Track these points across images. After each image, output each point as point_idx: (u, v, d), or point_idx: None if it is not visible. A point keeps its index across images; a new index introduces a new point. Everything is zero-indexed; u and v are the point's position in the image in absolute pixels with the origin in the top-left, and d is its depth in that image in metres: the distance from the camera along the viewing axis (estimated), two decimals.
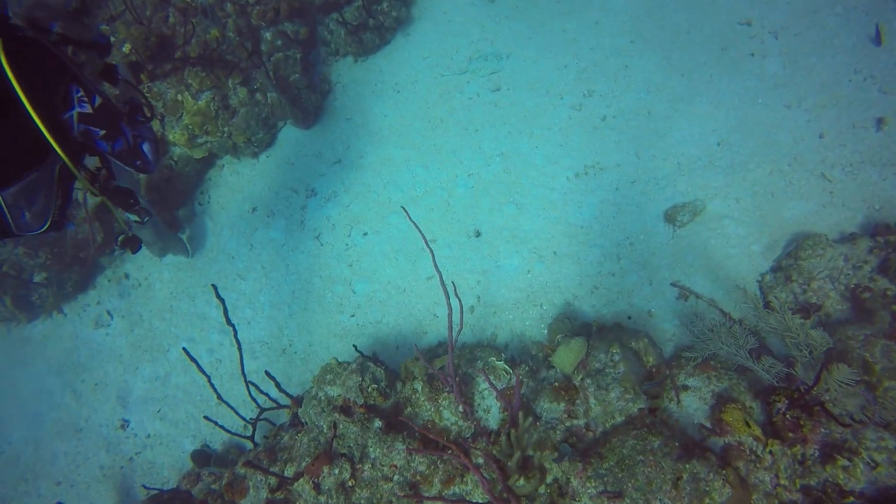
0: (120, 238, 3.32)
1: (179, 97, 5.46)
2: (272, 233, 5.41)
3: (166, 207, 5.68)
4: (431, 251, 3.53)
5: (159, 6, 5.46)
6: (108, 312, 5.46)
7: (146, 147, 3.03)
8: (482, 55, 5.74)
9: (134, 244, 3.34)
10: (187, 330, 5.17)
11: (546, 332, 4.25)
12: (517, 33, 5.84)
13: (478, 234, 4.82)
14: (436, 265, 3.49)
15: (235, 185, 5.81)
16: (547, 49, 5.66)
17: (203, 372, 4.00)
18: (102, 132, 2.74)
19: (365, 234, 5.13)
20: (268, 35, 5.58)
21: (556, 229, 4.69)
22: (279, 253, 5.30)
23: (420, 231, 3.58)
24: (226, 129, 5.61)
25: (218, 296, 3.97)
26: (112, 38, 5.26)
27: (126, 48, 5.23)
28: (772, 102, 4.79)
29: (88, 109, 2.63)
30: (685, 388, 3.63)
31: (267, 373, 4.20)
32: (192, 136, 5.60)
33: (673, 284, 4.24)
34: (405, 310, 4.68)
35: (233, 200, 5.73)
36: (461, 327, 3.50)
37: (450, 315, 3.42)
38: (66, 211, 2.79)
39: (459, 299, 3.45)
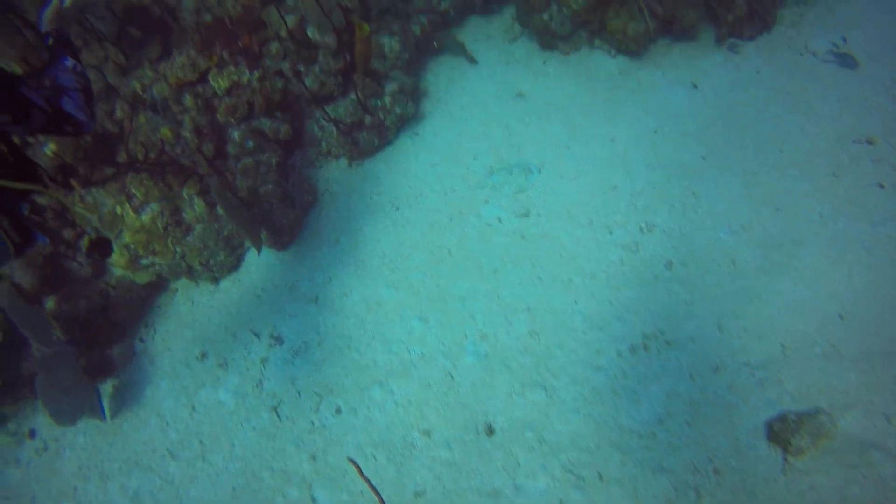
0: (85, 240, 2.76)
1: (119, 210, 4.29)
2: (221, 393, 4.08)
3: (96, 345, 4.42)
4: None
5: (105, 97, 4.39)
6: None
7: (69, 104, 2.09)
8: (506, 166, 4.47)
9: (105, 248, 2.69)
10: None
11: None
12: (552, 139, 4.58)
13: (490, 432, 3.41)
14: None
15: (187, 318, 4.55)
16: (590, 162, 4.37)
17: None
18: (7, 117, 1.89)
19: (338, 410, 3.76)
20: (236, 134, 4.42)
21: (603, 435, 3.25)
22: (225, 425, 3.95)
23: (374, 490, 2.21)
24: (178, 249, 4.41)
25: None
26: (30, 140, 4.17)
27: (49, 149, 4.11)
28: None
29: None
30: None
31: None
32: (135, 256, 4.41)
33: None
34: None
35: (181, 339, 4.45)
36: None
37: None
38: (24, 223, 2.11)
39: None
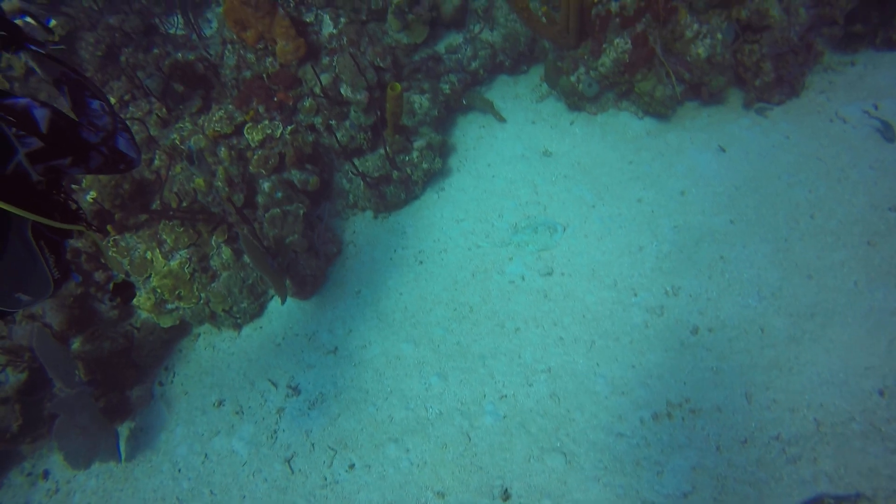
0: (111, 284, 2.69)
1: (149, 255, 4.40)
2: (235, 442, 4.04)
3: (116, 386, 4.45)
4: None
5: (146, 147, 4.58)
6: None
7: (122, 143, 2.23)
8: (531, 224, 4.48)
9: (128, 292, 2.63)
10: None
11: None
12: (578, 198, 4.58)
13: (506, 497, 3.28)
14: None
15: (207, 364, 4.56)
16: (616, 223, 4.35)
17: None
18: (69, 160, 2.03)
19: (351, 466, 3.68)
20: (266, 185, 4.54)
21: None
22: (236, 476, 3.89)
23: None
24: (203, 294, 4.48)
25: None
26: (74, 186, 4.35)
27: (90, 196, 4.27)
28: None
29: (37, 143, 1.89)
30: None
31: None
32: (161, 300, 4.48)
33: None
34: None
35: (199, 385, 4.46)
36: None
37: None
38: (65, 261, 2.17)
39: None
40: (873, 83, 4.62)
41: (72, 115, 2.20)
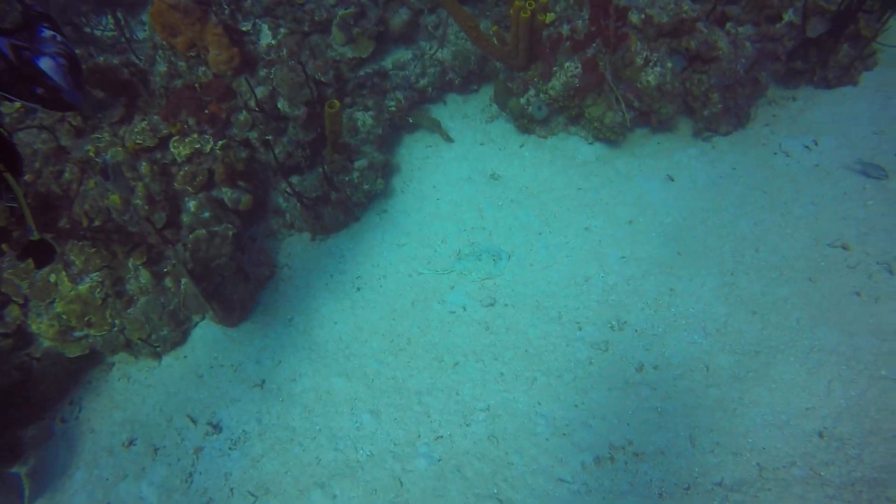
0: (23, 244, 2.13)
1: (53, 278, 3.98)
2: (144, 487, 3.65)
3: (6, 426, 3.98)
4: None
5: (53, 159, 4.16)
6: None
7: (49, 65, 1.85)
8: (475, 251, 4.28)
9: (45, 254, 2.21)
10: None
11: None
12: (525, 225, 4.43)
13: None
14: None
15: (120, 397, 4.15)
16: (563, 252, 4.20)
17: None
18: None
19: None
20: (192, 204, 4.20)
21: None
22: None
23: None
24: (117, 321, 4.08)
25: None
26: None
27: None
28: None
29: None
30: None
31: None
32: (67, 328, 4.05)
33: None
34: None
35: (108, 421, 4.04)
36: None
37: None
38: None
39: None
40: (812, 118, 4.67)
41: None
